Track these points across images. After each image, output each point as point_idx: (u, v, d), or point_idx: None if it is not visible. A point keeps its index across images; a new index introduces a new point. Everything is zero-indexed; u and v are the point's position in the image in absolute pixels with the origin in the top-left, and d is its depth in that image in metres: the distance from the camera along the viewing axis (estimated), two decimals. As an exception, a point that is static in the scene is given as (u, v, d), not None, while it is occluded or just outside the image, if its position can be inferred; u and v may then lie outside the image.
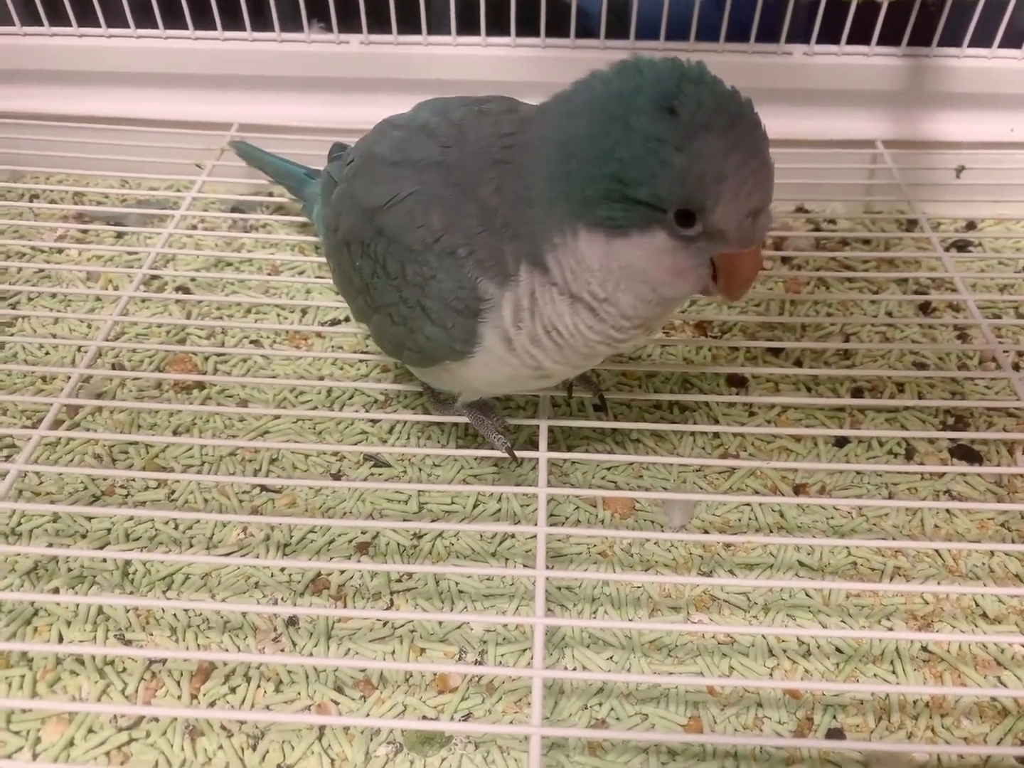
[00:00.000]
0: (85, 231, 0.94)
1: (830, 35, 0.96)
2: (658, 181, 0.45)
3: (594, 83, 0.48)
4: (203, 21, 0.97)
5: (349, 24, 0.96)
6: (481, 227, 0.52)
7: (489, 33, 0.96)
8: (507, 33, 0.96)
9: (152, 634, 0.61)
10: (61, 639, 0.61)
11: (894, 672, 0.60)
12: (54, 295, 0.87)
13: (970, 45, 0.95)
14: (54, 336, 0.84)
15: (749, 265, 0.49)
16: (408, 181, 0.56)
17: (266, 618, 0.62)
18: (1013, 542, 0.67)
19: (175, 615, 0.62)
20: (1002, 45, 0.94)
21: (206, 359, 0.80)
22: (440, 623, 0.62)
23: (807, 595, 0.64)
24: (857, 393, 0.79)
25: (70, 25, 0.97)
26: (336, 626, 0.62)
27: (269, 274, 0.90)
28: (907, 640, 0.61)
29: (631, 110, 0.45)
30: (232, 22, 0.97)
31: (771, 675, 0.59)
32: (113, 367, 0.80)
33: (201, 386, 0.78)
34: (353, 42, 0.97)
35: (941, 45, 0.95)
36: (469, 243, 0.53)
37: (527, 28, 0.96)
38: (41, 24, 0.97)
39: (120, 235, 0.94)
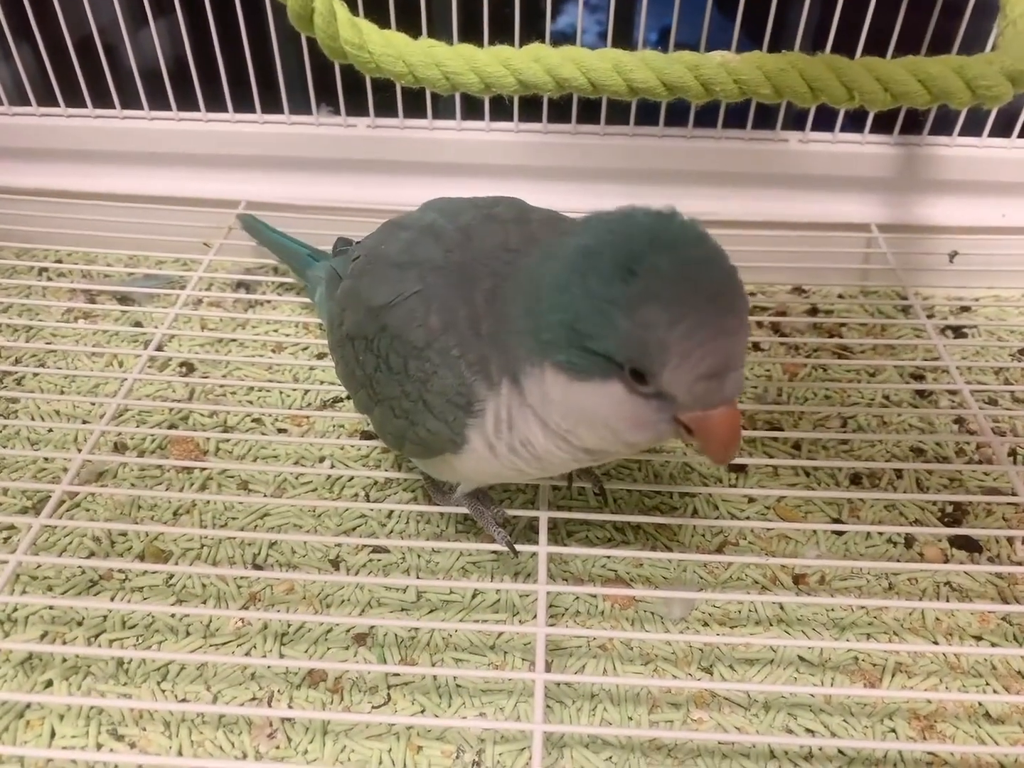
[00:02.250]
0: (93, 307, 0.96)
1: (825, 122, 0.99)
2: (608, 341, 0.46)
3: (584, 229, 0.49)
4: (215, 103, 1.00)
5: (357, 107, 0.99)
6: (471, 331, 0.54)
7: (493, 118, 0.99)
8: (510, 118, 0.99)
9: (145, 729, 0.61)
10: (54, 733, 0.60)
11: (897, 776, 0.59)
12: (59, 373, 0.88)
13: (960, 133, 0.97)
14: (58, 413, 0.84)
15: (720, 427, 0.47)
16: (412, 282, 0.57)
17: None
18: (1015, 638, 0.67)
19: (169, 710, 0.61)
20: (991, 134, 0.97)
21: (207, 439, 0.81)
22: (436, 716, 0.61)
23: (809, 694, 0.63)
24: (856, 479, 0.79)
25: (85, 106, 1.00)
26: (332, 721, 0.61)
27: (273, 351, 0.91)
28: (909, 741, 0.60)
29: (592, 268, 0.46)
30: (243, 104, 1.00)
31: (773, 779, 0.59)
32: (115, 447, 0.80)
33: (202, 466, 0.78)
34: (360, 125, 1.00)
35: (932, 133, 0.98)
36: (461, 345, 0.54)
37: (529, 113, 0.99)
38: (57, 105, 1.00)
39: (126, 312, 0.95)
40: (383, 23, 0.68)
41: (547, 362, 0.49)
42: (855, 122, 0.99)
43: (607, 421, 0.49)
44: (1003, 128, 0.97)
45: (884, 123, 0.98)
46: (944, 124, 0.98)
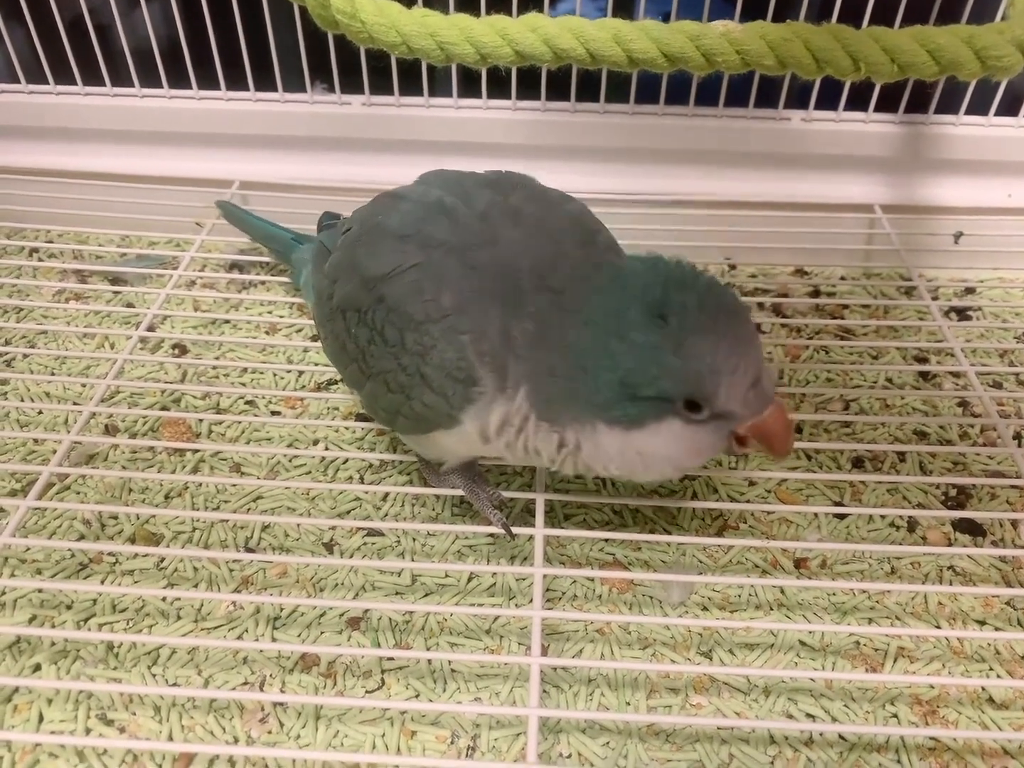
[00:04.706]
0: (84, 288, 0.94)
1: (828, 101, 0.97)
2: (662, 382, 0.49)
3: (612, 287, 0.52)
4: (207, 81, 0.98)
5: (352, 85, 0.97)
6: (500, 336, 0.53)
7: (490, 95, 0.97)
8: (508, 96, 0.97)
9: (135, 713, 0.59)
10: (41, 718, 0.59)
11: (899, 762, 0.58)
12: (50, 354, 0.87)
13: (967, 112, 0.95)
14: (48, 395, 0.83)
15: (777, 424, 0.51)
16: (414, 254, 0.56)
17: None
18: (1019, 622, 0.66)
19: (160, 695, 0.60)
20: (998, 112, 0.95)
21: (200, 421, 0.80)
22: (431, 701, 0.60)
23: (810, 679, 0.62)
24: (858, 462, 0.78)
25: (75, 84, 0.98)
26: (325, 706, 0.60)
27: (267, 332, 0.90)
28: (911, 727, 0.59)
29: (627, 324, 0.50)
30: (236, 82, 0.98)
31: (772, 764, 0.58)
32: (106, 429, 0.79)
33: (195, 448, 0.77)
34: (355, 103, 0.98)
35: (938, 112, 0.96)
36: (474, 332, 0.54)
37: (528, 90, 0.97)
38: (46, 83, 0.98)
39: (118, 293, 0.94)
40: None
41: (599, 422, 0.52)
42: (859, 100, 0.97)
43: (669, 457, 0.53)
44: (1010, 107, 0.95)
45: (889, 101, 0.96)
46: (950, 103, 0.96)
